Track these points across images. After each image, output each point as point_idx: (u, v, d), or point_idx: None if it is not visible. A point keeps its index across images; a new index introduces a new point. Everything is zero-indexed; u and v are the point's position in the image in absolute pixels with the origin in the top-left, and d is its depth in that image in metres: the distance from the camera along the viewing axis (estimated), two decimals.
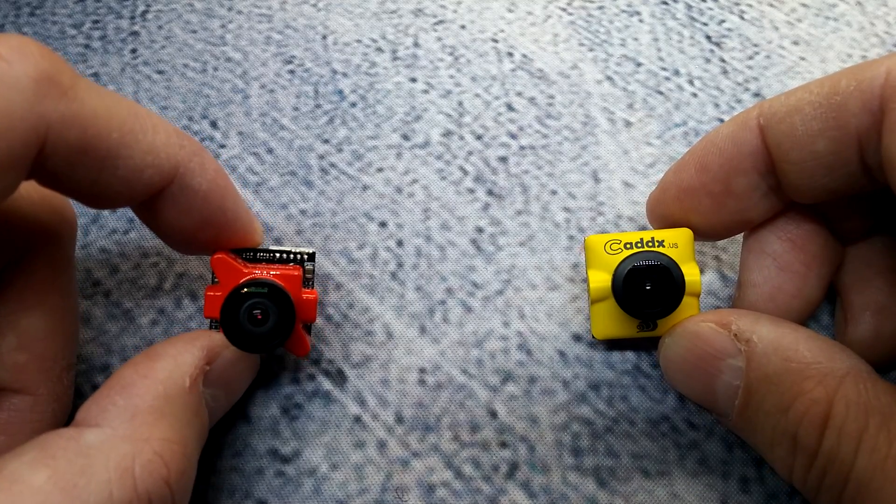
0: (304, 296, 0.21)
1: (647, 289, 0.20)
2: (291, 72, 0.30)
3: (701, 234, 0.22)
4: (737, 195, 0.20)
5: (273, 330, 0.20)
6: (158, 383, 0.18)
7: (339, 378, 0.23)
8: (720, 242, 0.25)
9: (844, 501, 0.16)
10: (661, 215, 0.22)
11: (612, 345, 0.23)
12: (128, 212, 0.26)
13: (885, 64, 0.17)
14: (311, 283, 0.22)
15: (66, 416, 0.20)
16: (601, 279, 0.21)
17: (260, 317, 0.20)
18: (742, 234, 0.22)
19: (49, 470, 0.15)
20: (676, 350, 0.20)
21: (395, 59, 0.30)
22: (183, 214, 0.19)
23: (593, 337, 0.22)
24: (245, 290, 0.20)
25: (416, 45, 0.30)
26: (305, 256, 0.22)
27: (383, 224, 0.26)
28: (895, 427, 0.16)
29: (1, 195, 0.15)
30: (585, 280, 0.24)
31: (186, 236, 0.20)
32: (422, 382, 0.23)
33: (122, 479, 0.15)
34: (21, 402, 0.19)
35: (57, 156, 0.16)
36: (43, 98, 0.15)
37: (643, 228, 0.25)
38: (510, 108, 0.28)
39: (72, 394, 0.21)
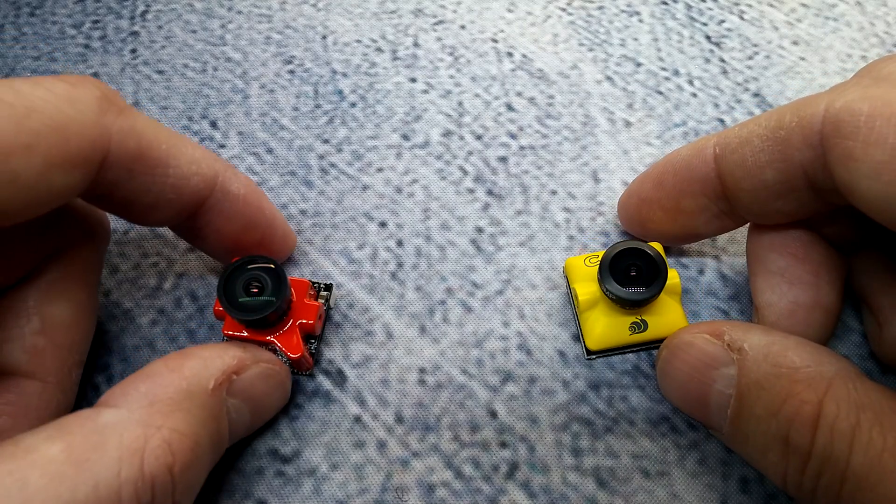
0: (307, 301, 0.22)
1: (632, 275, 0.21)
2: (291, 72, 0.30)
3: (659, 240, 0.23)
4: (686, 213, 0.22)
5: (266, 301, 0.20)
6: (183, 379, 0.18)
7: (339, 378, 0.23)
8: (720, 243, 0.25)
9: (843, 501, 0.16)
10: (626, 217, 0.25)
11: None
12: None
13: (824, 100, 0.17)
14: (327, 307, 0.24)
15: (69, 412, 0.20)
16: (588, 290, 0.22)
17: (256, 291, 0.21)
18: (745, 244, 0.23)
19: (63, 444, 0.15)
20: (672, 361, 0.20)
21: (395, 59, 0.30)
22: (228, 220, 0.21)
23: (587, 352, 0.23)
24: (244, 264, 0.21)
25: (416, 45, 0.30)
26: (322, 287, 0.24)
27: (383, 224, 0.26)
28: (888, 421, 0.16)
29: (70, 193, 0.17)
30: (571, 302, 0.24)
31: (233, 241, 0.22)
32: (422, 382, 0.23)
33: (131, 459, 0.16)
34: (31, 386, 0.19)
35: (118, 164, 0.18)
36: (105, 113, 0.17)
37: None
38: (510, 108, 0.28)
39: (76, 391, 0.21)
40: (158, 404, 0.17)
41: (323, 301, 0.23)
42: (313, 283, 0.23)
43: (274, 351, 0.21)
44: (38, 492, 0.14)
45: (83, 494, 0.15)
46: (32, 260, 0.20)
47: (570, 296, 0.24)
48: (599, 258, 0.22)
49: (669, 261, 0.25)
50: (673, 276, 0.22)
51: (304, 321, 0.21)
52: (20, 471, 0.15)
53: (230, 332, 0.21)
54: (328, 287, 0.23)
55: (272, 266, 0.21)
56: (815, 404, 0.17)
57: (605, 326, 0.22)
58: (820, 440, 0.16)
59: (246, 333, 0.21)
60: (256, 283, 0.21)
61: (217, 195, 0.20)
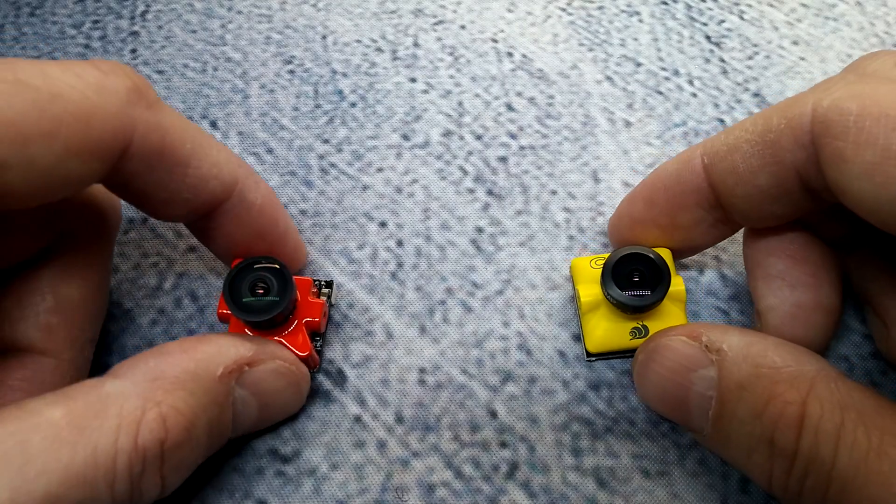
0: (310, 300, 0.22)
1: (635, 280, 0.21)
2: (291, 72, 0.30)
3: None
4: (683, 228, 0.22)
5: (272, 301, 0.21)
6: (192, 360, 0.18)
7: (339, 378, 0.23)
8: (720, 243, 0.25)
9: (829, 502, 0.16)
10: (619, 240, 0.24)
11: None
12: (128, 212, 0.26)
13: (810, 100, 0.17)
14: (329, 304, 0.23)
15: None
16: (591, 292, 0.22)
17: (261, 291, 0.21)
18: (742, 245, 0.23)
19: (66, 409, 0.16)
20: (649, 364, 0.20)
21: (395, 59, 0.30)
22: (240, 227, 0.21)
23: (588, 355, 0.23)
24: (252, 265, 0.21)
25: (416, 45, 0.30)
26: (323, 284, 0.24)
27: (383, 224, 0.26)
28: (871, 422, 0.16)
29: (86, 181, 0.17)
30: (574, 302, 0.24)
31: (241, 247, 0.22)
32: (422, 382, 0.23)
33: (128, 429, 0.16)
34: (45, 363, 0.20)
35: (139, 157, 0.18)
36: (133, 105, 0.17)
37: None
38: (510, 108, 0.28)
39: (89, 367, 0.21)
40: (162, 380, 0.18)
41: (325, 298, 0.23)
42: (314, 280, 0.23)
43: None
44: (39, 454, 0.15)
45: (82, 458, 0.15)
46: (44, 239, 0.20)
47: (576, 296, 0.24)
48: (605, 259, 0.22)
49: None
50: (677, 283, 0.22)
51: (310, 319, 0.21)
52: (22, 433, 0.15)
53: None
54: (329, 284, 0.24)
55: (277, 267, 0.21)
56: (798, 405, 0.17)
57: (605, 330, 0.22)
58: (805, 441, 0.16)
59: (251, 334, 0.21)
60: (262, 283, 0.21)
61: (234, 201, 0.20)
